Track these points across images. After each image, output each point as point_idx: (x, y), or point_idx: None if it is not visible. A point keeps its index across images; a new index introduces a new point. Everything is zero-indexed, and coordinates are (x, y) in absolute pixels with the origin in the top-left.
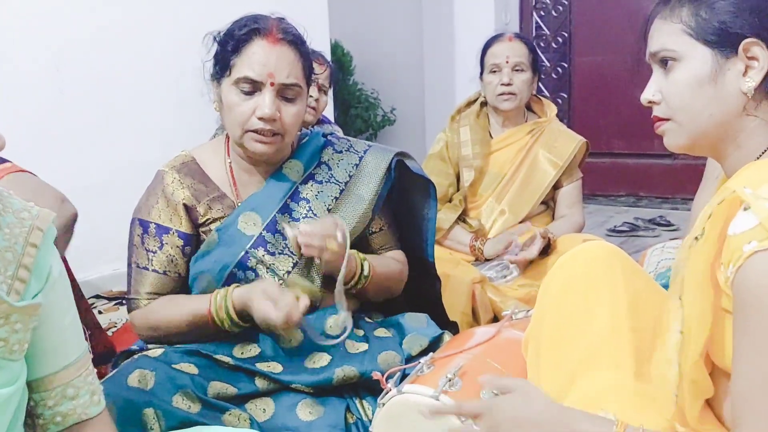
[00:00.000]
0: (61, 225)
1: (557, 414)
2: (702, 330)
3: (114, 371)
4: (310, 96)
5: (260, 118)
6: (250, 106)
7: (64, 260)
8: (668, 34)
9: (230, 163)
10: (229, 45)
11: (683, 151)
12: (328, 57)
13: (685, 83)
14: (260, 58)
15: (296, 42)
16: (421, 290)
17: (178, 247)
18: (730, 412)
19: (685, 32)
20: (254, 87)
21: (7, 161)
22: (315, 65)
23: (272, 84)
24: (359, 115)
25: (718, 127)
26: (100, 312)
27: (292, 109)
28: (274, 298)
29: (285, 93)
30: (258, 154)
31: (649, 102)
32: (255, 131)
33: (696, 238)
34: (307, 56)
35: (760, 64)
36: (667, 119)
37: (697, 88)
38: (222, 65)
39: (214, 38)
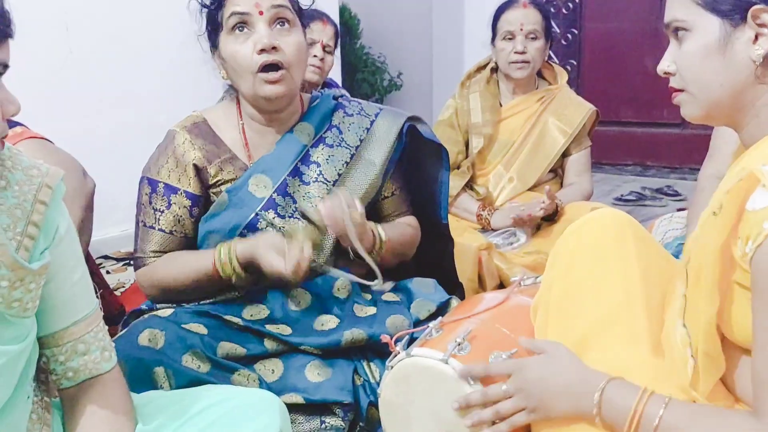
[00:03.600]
0: (87, 202)
1: (584, 376)
2: (712, 302)
3: (124, 330)
4: (315, 56)
5: (261, 51)
6: (249, 47)
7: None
8: (679, 5)
9: (242, 124)
10: (214, 2)
11: (700, 122)
12: (337, 20)
13: (695, 53)
14: None
15: None
16: (433, 253)
17: (185, 207)
18: (740, 384)
19: (695, 2)
20: (246, 23)
21: (20, 124)
22: (319, 24)
23: (261, 13)
24: (365, 79)
25: (731, 96)
26: (108, 272)
27: (290, 37)
28: (280, 250)
29: (278, 20)
30: (272, 96)
31: (665, 73)
32: (262, 71)
33: (714, 213)
34: None
35: None
36: (682, 90)
37: (705, 58)
38: (213, 24)
39: (201, 4)
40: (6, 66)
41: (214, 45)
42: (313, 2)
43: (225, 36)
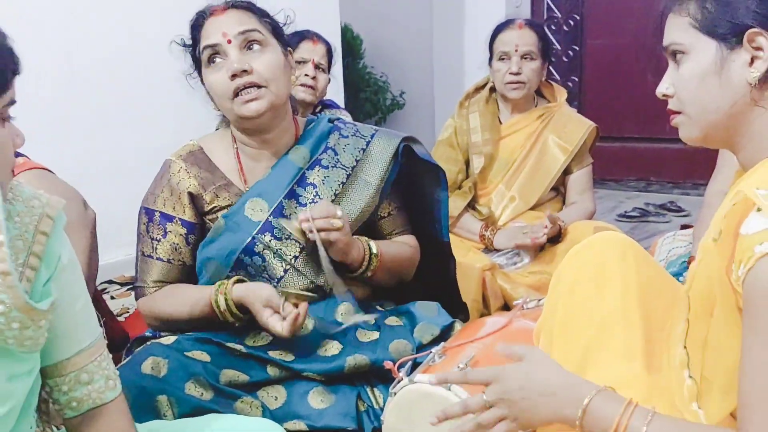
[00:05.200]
0: (91, 231)
1: (568, 383)
2: (730, 331)
3: (128, 358)
4: (306, 75)
5: (233, 76)
6: (224, 74)
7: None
8: (677, 28)
9: (236, 150)
10: (192, 40)
11: (698, 144)
12: (338, 40)
13: (692, 76)
14: (212, 27)
15: (244, 5)
16: (435, 272)
17: (181, 235)
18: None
19: (692, 26)
20: (219, 53)
21: (21, 155)
22: (309, 44)
23: (229, 41)
24: (368, 98)
25: (728, 119)
26: (112, 297)
27: (262, 57)
28: (276, 308)
29: (248, 43)
30: (252, 114)
31: (663, 95)
32: (239, 94)
33: (714, 239)
34: (264, 14)
35: (765, 54)
36: (679, 112)
37: (702, 81)
38: (195, 60)
39: (182, 45)
40: (14, 102)
41: (201, 80)
42: (290, 22)
43: (204, 70)
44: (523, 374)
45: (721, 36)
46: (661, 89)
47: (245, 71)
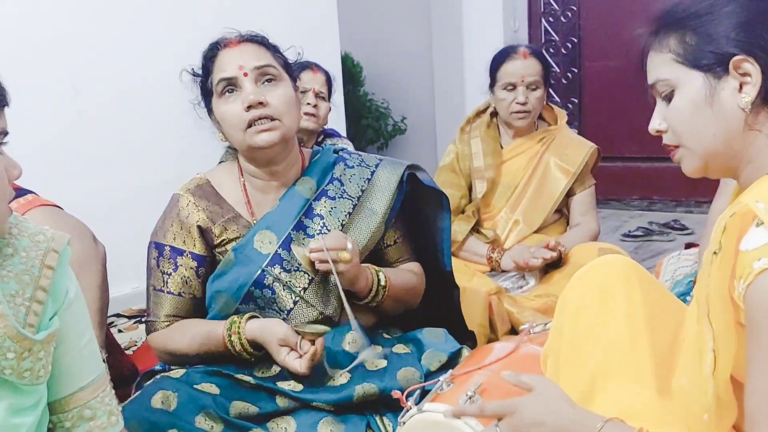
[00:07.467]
0: (102, 265)
1: (578, 416)
2: (729, 347)
3: (137, 393)
4: (308, 103)
5: (249, 108)
6: (238, 105)
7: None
8: (660, 65)
9: (244, 182)
10: (203, 70)
11: (701, 175)
12: (339, 68)
13: (684, 109)
14: (228, 60)
15: (258, 39)
16: (440, 301)
17: (192, 268)
18: None
19: (676, 60)
20: (234, 85)
21: (30, 192)
22: (309, 73)
23: (246, 74)
24: (370, 125)
25: (725, 145)
26: (120, 331)
27: (276, 91)
28: (292, 346)
29: (263, 77)
30: (265, 144)
31: (657, 131)
32: (252, 125)
33: (715, 252)
34: (275, 49)
35: (753, 79)
36: (677, 146)
37: (695, 112)
38: (205, 91)
39: (193, 74)
40: (6, 133)
41: (209, 110)
42: (300, 56)
43: (216, 100)
44: (539, 407)
45: (707, 67)
46: (654, 126)
47: (261, 103)
